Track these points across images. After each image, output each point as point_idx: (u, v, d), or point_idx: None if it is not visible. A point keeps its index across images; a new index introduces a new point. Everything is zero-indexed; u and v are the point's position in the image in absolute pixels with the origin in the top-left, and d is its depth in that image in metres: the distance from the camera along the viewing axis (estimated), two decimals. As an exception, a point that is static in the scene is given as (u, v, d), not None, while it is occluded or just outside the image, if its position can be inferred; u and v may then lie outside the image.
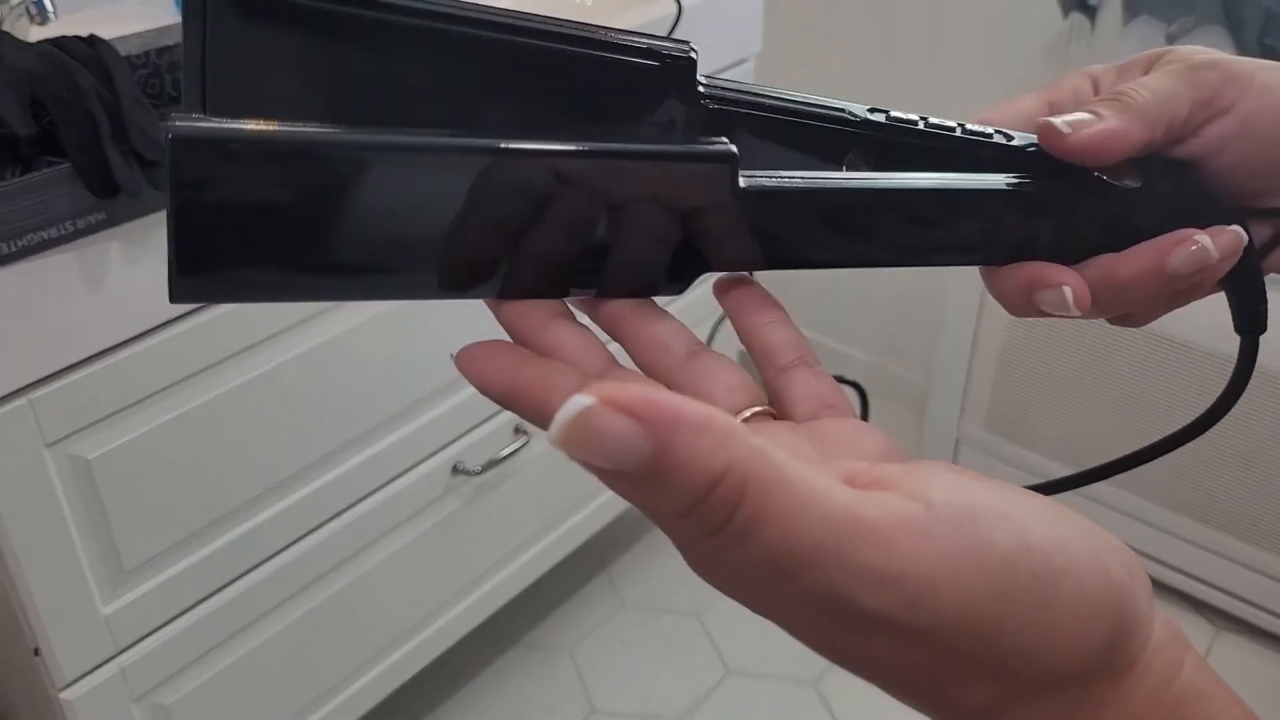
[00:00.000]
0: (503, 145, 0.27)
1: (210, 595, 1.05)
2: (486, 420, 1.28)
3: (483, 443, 1.28)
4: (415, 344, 1.15)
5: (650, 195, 0.29)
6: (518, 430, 1.33)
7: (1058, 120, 0.33)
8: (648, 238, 0.30)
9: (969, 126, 0.35)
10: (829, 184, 0.32)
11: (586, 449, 0.20)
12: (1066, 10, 1.55)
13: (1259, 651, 1.59)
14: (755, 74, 1.46)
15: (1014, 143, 0.34)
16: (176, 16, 1.21)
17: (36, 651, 0.94)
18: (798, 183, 0.31)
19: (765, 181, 0.30)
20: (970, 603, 0.23)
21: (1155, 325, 0.39)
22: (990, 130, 0.35)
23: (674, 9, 1.25)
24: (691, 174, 0.29)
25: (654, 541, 1.74)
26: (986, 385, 1.69)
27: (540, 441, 1.36)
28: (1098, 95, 0.37)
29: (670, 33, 1.25)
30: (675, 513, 0.21)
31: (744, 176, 0.30)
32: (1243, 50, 1.37)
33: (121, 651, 0.99)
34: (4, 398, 0.85)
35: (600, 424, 0.19)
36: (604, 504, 1.48)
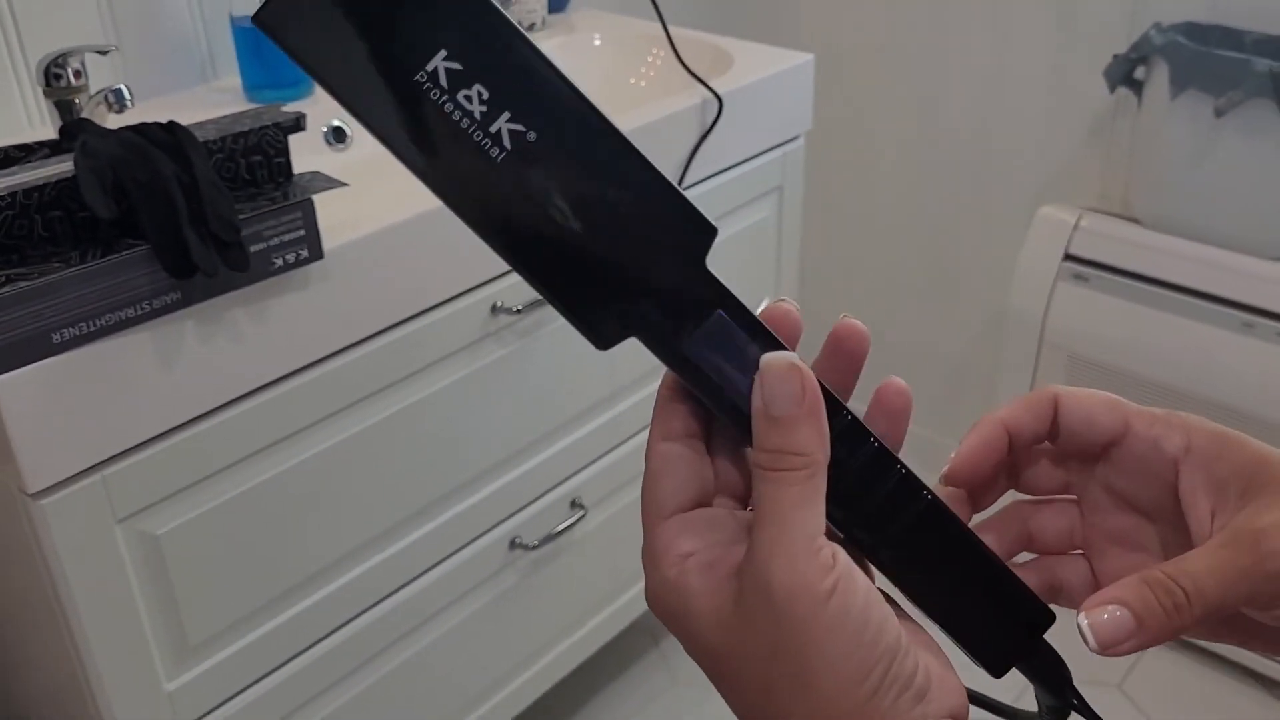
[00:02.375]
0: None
1: (270, 672, 1.05)
2: (544, 495, 1.28)
3: (540, 517, 1.28)
4: (473, 419, 1.16)
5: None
6: (574, 504, 1.33)
7: (1085, 626, 0.35)
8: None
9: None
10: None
11: (779, 385, 0.33)
12: (1113, 85, 1.56)
13: (1184, 663, 1.64)
14: (806, 151, 1.48)
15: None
16: (246, 103, 1.25)
17: (101, 728, 0.95)
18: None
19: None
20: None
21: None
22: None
23: (713, 97, 1.28)
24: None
25: (706, 617, 1.72)
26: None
27: (596, 515, 1.36)
28: (1056, 420, 0.40)
29: (717, 117, 1.27)
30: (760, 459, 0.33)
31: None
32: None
33: (183, 728, 1.00)
34: (78, 474, 0.87)
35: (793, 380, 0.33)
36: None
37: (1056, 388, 0.41)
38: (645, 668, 1.65)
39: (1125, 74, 1.55)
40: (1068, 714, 0.38)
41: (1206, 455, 0.38)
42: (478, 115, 0.30)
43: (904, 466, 0.36)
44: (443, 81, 0.30)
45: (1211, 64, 1.42)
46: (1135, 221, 1.60)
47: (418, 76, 0.30)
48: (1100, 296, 1.60)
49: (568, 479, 1.32)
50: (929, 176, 1.90)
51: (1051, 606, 0.39)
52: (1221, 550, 0.35)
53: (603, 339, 0.34)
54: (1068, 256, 1.63)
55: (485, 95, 0.30)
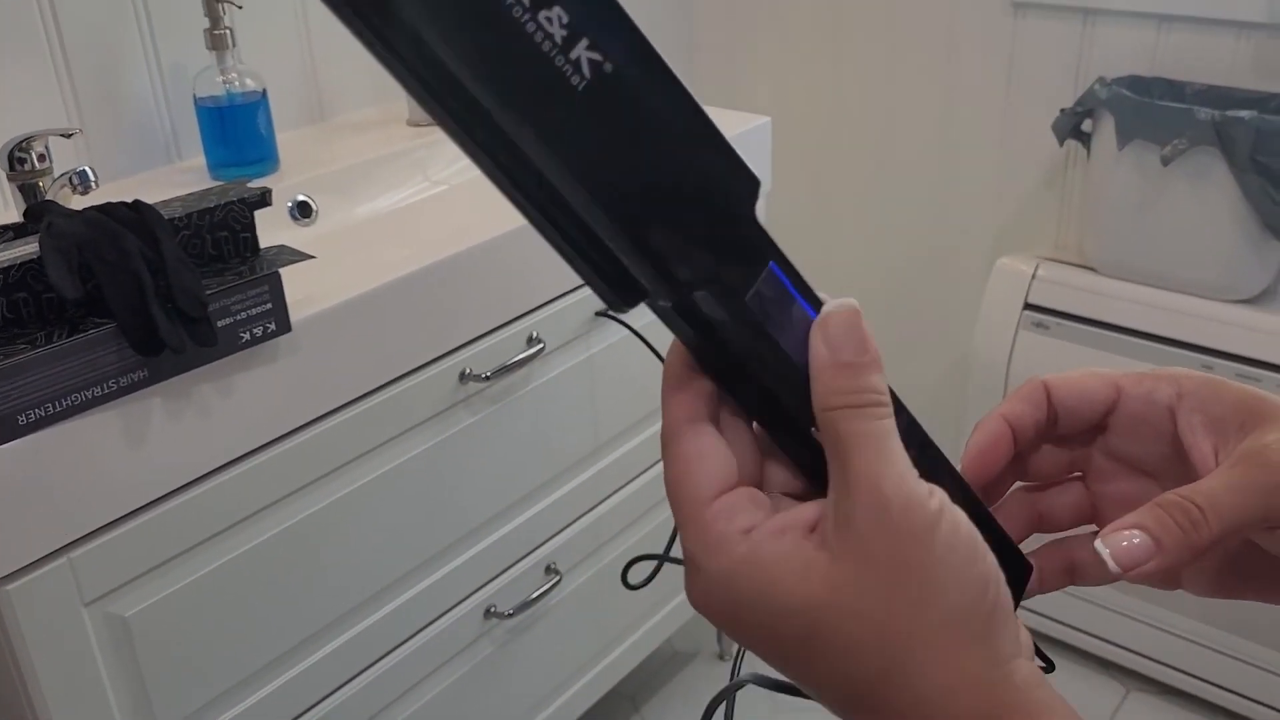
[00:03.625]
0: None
1: (244, 753, 1.03)
2: (518, 562, 1.27)
3: (514, 584, 1.28)
4: (444, 488, 1.16)
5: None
6: (549, 570, 1.32)
7: (1104, 552, 0.36)
8: None
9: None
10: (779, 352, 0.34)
11: (850, 331, 0.32)
12: (1062, 138, 1.60)
13: (1168, 709, 1.66)
14: (765, 207, 1.50)
15: None
16: (211, 181, 1.26)
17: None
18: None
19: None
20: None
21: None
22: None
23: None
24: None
25: (684, 681, 1.71)
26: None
27: (571, 580, 1.35)
28: (1051, 404, 0.41)
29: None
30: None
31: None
32: (1235, 166, 1.41)
33: (155, 816, 0.97)
34: (44, 558, 0.86)
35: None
36: (636, 643, 1.46)
37: (1043, 376, 0.41)
38: (626, 734, 1.63)
39: (1073, 126, 1.59)
40: (1051, 671, 0.37)
41: (1200, 397, 0.39)
42: (559, 39, 0.28)
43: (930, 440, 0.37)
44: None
45: (1155, 114, 1.46)
46: (1091, 269, 1.63)
47: None
48: (1062, 343, 1.63)
49: (541, 545, 1.31)
50: (888, 232, 1.93)
51: (1051, 655, 0.39)
52: (1233, 470, 0.36)
53: (631, 297, 0.32)
54: (1028, 305, 1.66)
55: (565, 19, 0.28)
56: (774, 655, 0.33)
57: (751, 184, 0.33)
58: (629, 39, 0.29)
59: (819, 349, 0.32)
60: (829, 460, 0.32)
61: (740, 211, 0.32)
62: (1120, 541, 0.35)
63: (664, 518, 1.49)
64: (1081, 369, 0.42)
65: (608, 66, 0.29)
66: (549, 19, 0.28)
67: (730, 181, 0.32)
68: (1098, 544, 0.36)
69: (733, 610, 0.33)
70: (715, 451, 0.33)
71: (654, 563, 0.76)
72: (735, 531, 0.32)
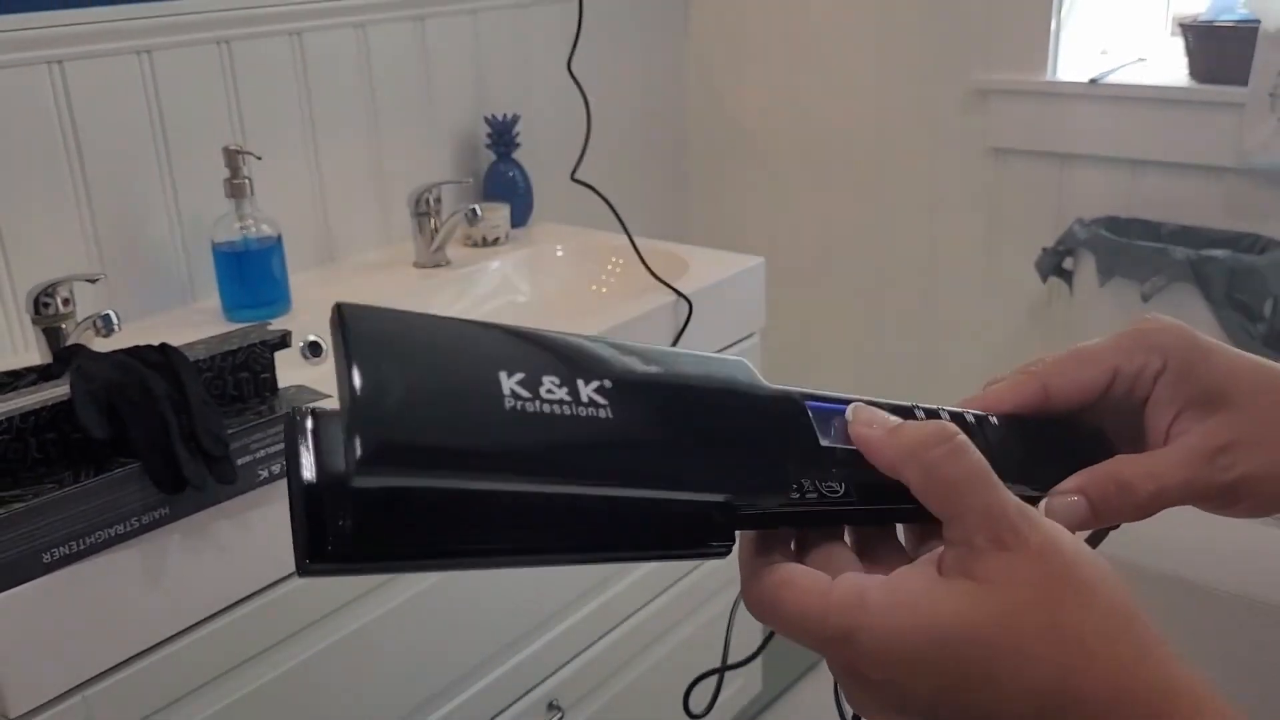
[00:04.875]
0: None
1: None
2: (521, 698, 1.27)
3: (518, 721, 1.27)
4: (448, 625, 1.17)
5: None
6: (551, 706, 1.32)
7: (1044, 506, 0.41)
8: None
9: (949, 409, 0.42)
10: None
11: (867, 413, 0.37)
12: (1045, 275, 1.67)
13: None
14: (760, 347, 1.55)
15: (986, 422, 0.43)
16: (226, 322, 1.30)
17: None
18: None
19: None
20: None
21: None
22: (966, 413, 0.42)
23: (677, 297, 1.35)
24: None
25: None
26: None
27: (574, 716, 1.35)
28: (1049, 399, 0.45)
29: (689, 316, 1.35)
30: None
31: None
32: (1212, 302, 1.47)
33: None
34: (59, 697, 0.86)
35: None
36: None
37: (1042, 377, 0.44)
38: None
39: (1055, 265, 1.65)
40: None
41: (1177, 374, 0.43)
42: (567, 397, 0.31)
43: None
44: (523, 392, 0.30)
45: (1134, 253, 1.53)
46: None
47: (506, 404, 0.30)
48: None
49: (544, 680, 1.31)
50: (878, 365, 1.98)
51: None
52: (1182, 460, 0.42)
53: (728, 540, 0.36)
54: (1018, 437, 1.69)
55: (556, 380, 0.31)
56: (951, 694, 0.33)
57: (746, 372, 0.37)
58: (598, 357, 0.33)
59: (872, 433, 0.37)
60: (937, 506, 0.35)
61: (784, 421, 0.37)
62: (1063, 502, 0.40)
63: (665, 653, 1.49)
64: (1076, 353, 0.45)
65: (607, 383, 0.32)
66: (550, 390, 0.31)
67: (750, 400, 0.36)
68: (1045, 503, 0.41)
69: (908, 667, 0.33)
70: (801, 569, 0.36)
71: (714, 684, 0.75)
72: (876, 600, 0.34)
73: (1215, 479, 0.42)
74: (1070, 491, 0.41)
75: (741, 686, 1.69)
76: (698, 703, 0.76)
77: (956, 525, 0.34)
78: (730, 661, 0.71)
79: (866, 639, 0.34)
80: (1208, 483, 0.42)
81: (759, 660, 1.68)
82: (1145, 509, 0.41)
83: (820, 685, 1.90)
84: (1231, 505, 0.43)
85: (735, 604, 1.07)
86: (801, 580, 0.36)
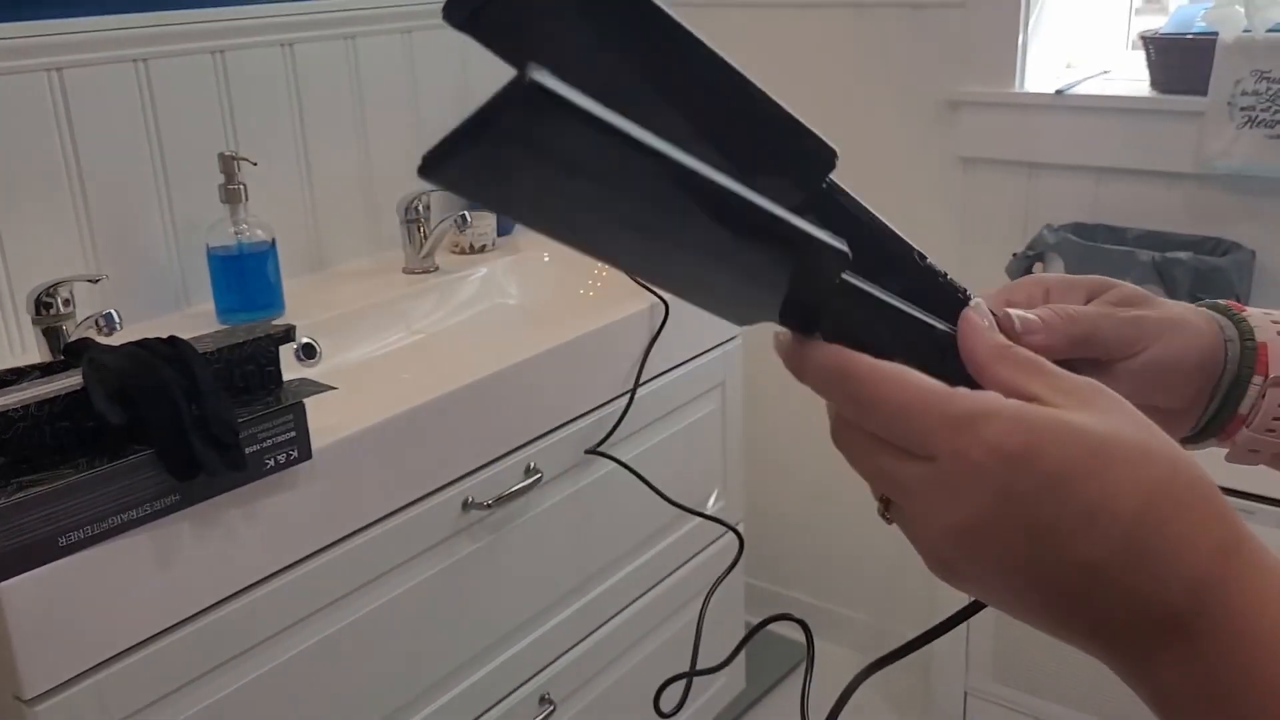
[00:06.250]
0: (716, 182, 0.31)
1: None
2: (513, 692, 1.30)
3: (509, 715, 1.29)
4: (444, 617, 1.19)
5: (774, 254, 0.36)
6: (543, 700, 1.34)
7: (1015, 315, 0.48)
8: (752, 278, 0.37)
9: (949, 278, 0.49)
10: (902, 308, 0.43)
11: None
12: (1015, 279, 1.72)
13: None
14: (744, 350, 1.59)
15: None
16: (220, 325, 1.32)
17: None
18: (882, 297, 0.42)
19: (859, 284, 0.40)
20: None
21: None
22: (960, 286, 0.48)
23: (660, 302, 1.39)
24: (815, 251, 0.37)
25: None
26: (989, 637, 1.72)
27: (565, 710, 1.37)
28: (1048, 301, 0.52)
29: (661, 325, 1.39)
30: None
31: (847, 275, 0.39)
32: (1179, 305, 1.53)
33: None
34: (74, 678, 0.88)
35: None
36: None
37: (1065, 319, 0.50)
38: None
39: (1025, 269, 1.71)
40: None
41: (1062, 291, 0.53)
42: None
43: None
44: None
45: (1101, 257, 1.58)
46: (1050, 402, 1.72)
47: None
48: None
49: (537, 674, 1.33)
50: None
51: None
52: (1100, 311, 0.50)
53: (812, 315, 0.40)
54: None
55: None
56: (1060, 482, 0.35)
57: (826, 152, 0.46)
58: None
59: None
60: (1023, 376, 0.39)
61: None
62: (1026, 314, 0.48)
63: (655, 648, 1.52)
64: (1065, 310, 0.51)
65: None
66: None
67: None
68: (1012, 311, 0.48)
69: (1027, 450, 0.35)
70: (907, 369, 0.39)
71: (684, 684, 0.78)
72: (1007, 401, 0.37)
73: (1117, 315, 0.50)
74: (1032, 313, 0.49)
75: (725, 684, 1.71)
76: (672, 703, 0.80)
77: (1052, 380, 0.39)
78: (702, 666, 0.73)
79: (996, 422, 0.35)
80: (1111, 318, 0.50)
81: (741, 658, 1.71)
82: (1080, 335, 0.49)
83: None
84: (1131, 346, 0.50)
85: (703, 610, 1.10)
86: (918, 375, 0.38)
